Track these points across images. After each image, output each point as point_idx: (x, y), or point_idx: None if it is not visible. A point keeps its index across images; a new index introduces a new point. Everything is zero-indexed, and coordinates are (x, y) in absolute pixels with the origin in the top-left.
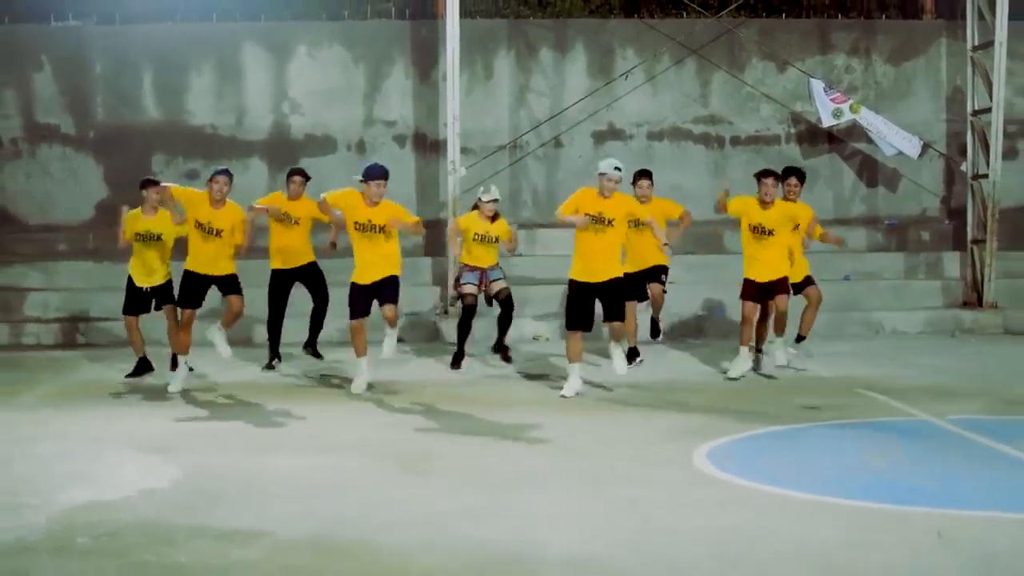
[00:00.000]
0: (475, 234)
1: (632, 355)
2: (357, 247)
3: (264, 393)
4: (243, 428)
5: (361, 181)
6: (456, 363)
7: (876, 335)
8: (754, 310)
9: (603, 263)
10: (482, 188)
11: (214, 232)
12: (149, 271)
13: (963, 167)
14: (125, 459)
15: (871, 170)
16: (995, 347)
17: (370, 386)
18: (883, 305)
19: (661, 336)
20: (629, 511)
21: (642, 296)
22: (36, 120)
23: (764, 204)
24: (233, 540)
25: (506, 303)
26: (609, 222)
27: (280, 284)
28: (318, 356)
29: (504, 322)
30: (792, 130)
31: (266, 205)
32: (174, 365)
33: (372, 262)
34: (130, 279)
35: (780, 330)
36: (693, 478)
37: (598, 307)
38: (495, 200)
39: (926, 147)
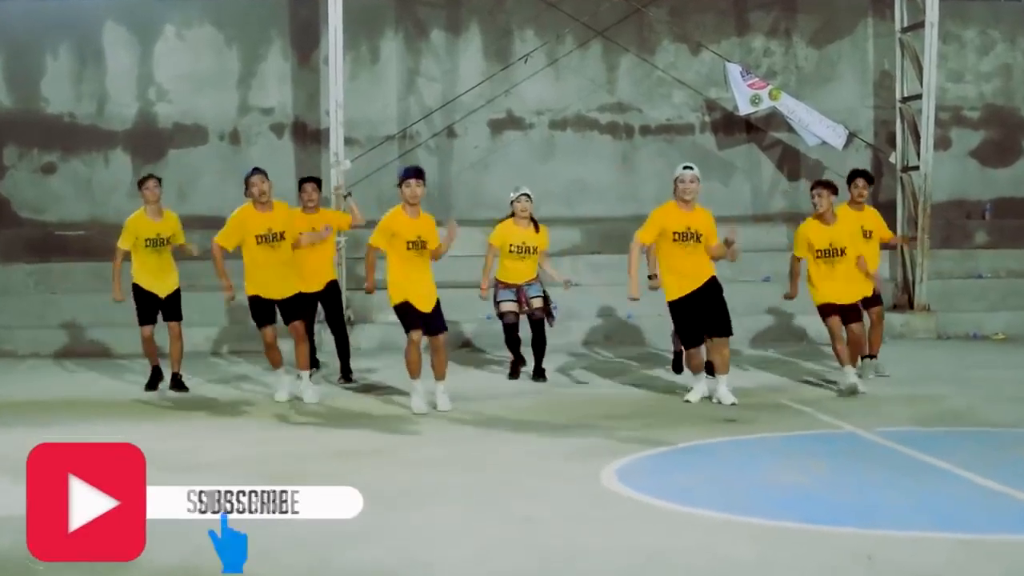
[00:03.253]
0: (511, 245)
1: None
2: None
3: (138, 410)
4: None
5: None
6: (514, 372)
7: (800, 342)
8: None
9: (695, 272)
10: (513, 189)
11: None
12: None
13: (892, 158)
14: None
15: (792, 162)
16: (928, 353)
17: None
18: (806, 309)
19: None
20: (526, 529)
21: None
22: None
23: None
24: (98, 570)
25: (539, 326)
26: (697, 237)
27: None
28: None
29: (539, 348)
30: (707, 118)
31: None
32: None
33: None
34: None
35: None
36: (597, 495)
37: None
38: (526, 195)
39: (852, 137)
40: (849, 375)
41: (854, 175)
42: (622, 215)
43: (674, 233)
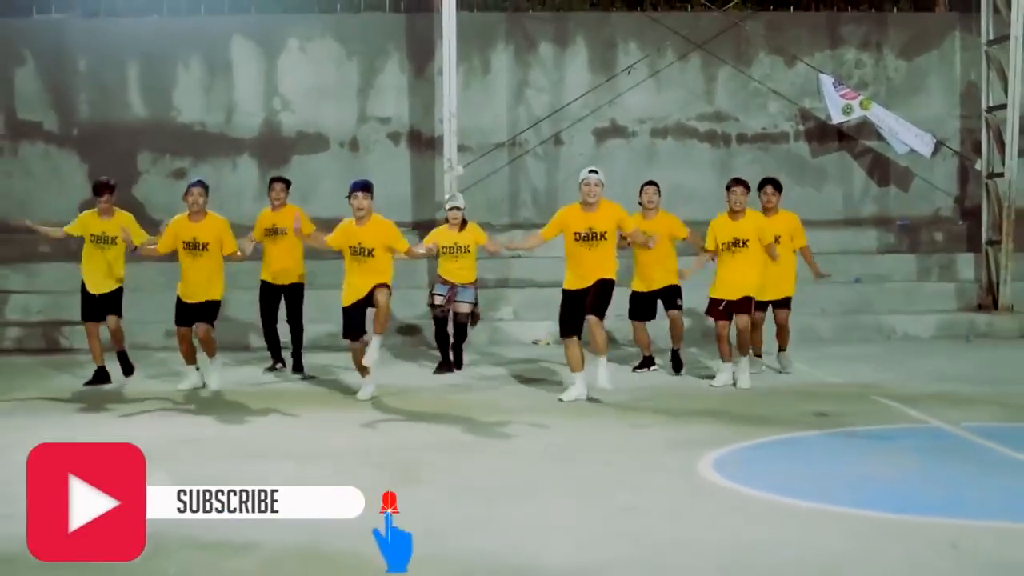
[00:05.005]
0: (443, 248)
1: (647, 362)
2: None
3: (252, 399)
4: (231, 435)
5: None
6: (440, 370)
7: (887, 339)
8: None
9: (594, 271)
10: (449, 198)
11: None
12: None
13: (977, 165)
14: None
15: (882, 169)
16: (1011, 352)
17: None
18: (895, 308)
19: (684, 369)
20: (629, 520)
21: (650, 316)
22: (18, 117)
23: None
24: (224, 551)
25: (461, 329)
26: (601, 236)
27: (268, 297)
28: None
29: (458, 345)
30: (801, 127)
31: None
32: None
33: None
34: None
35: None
36: (696, 487)
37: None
38: (457, 207)
39: (939, 145)
40: (723, 372)
41: (763, 183)
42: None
43: (575, 233)
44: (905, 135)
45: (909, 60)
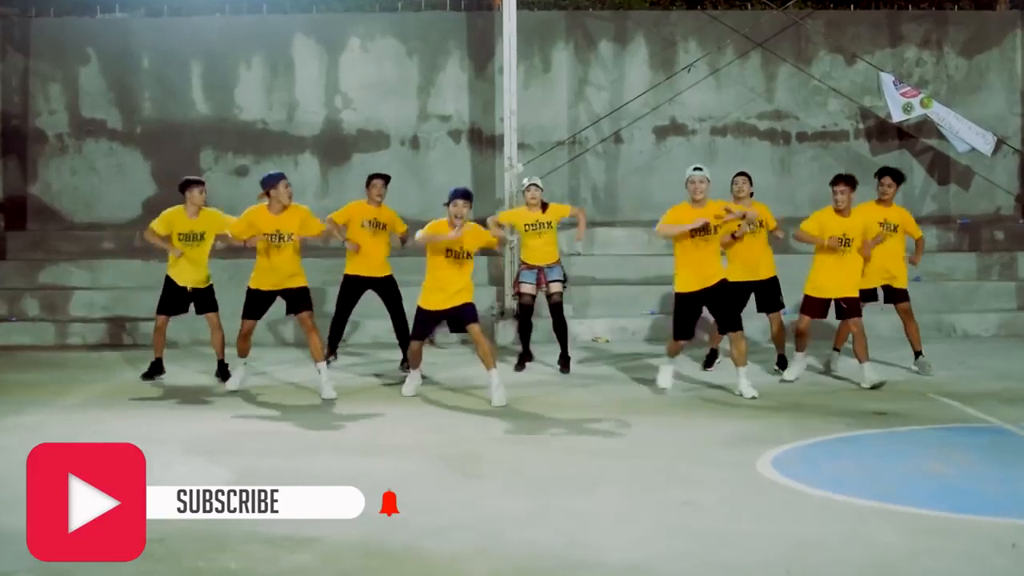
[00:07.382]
0: (526, 225)
1: (713, 356)
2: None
3: (313, 394)
4: (292, 429)
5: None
6: (520, 364)
7: (947, 338)
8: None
9: (712, 267)
10: (526, 178)
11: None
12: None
13: None
14: (173, 461)
15: (942, 167)
16: None
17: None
18: (954, 307)
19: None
20: (686, 515)
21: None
22: (82, 115)
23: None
24: (284, 545)
25: (557, 310)
26: (714, 229)
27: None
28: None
29: (560, 333)
30: (861, 125)
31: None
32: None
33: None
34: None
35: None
36: (754, 482)
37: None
38: (536, 185)
39: (1000, 143)
40: (799, 362)
41: (881, 173)
42: (779, 216)
43: (692, 231)
44: (966, 133)
45: (970, 58)
